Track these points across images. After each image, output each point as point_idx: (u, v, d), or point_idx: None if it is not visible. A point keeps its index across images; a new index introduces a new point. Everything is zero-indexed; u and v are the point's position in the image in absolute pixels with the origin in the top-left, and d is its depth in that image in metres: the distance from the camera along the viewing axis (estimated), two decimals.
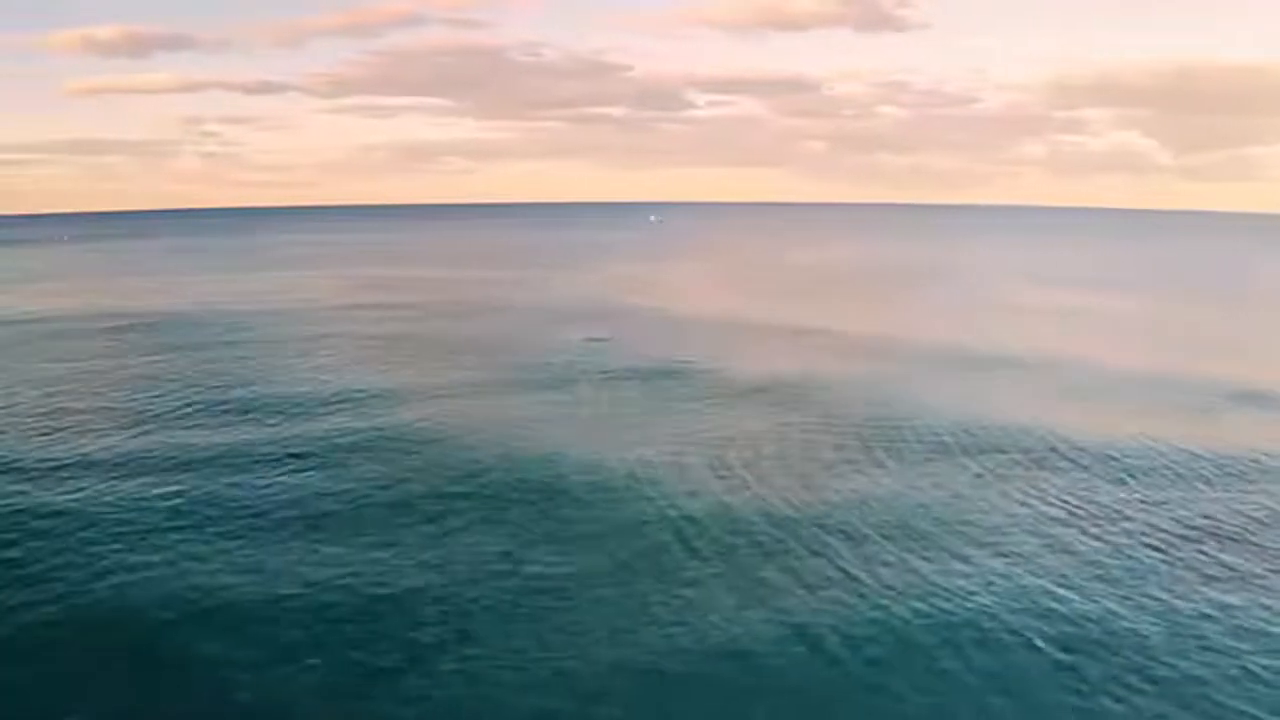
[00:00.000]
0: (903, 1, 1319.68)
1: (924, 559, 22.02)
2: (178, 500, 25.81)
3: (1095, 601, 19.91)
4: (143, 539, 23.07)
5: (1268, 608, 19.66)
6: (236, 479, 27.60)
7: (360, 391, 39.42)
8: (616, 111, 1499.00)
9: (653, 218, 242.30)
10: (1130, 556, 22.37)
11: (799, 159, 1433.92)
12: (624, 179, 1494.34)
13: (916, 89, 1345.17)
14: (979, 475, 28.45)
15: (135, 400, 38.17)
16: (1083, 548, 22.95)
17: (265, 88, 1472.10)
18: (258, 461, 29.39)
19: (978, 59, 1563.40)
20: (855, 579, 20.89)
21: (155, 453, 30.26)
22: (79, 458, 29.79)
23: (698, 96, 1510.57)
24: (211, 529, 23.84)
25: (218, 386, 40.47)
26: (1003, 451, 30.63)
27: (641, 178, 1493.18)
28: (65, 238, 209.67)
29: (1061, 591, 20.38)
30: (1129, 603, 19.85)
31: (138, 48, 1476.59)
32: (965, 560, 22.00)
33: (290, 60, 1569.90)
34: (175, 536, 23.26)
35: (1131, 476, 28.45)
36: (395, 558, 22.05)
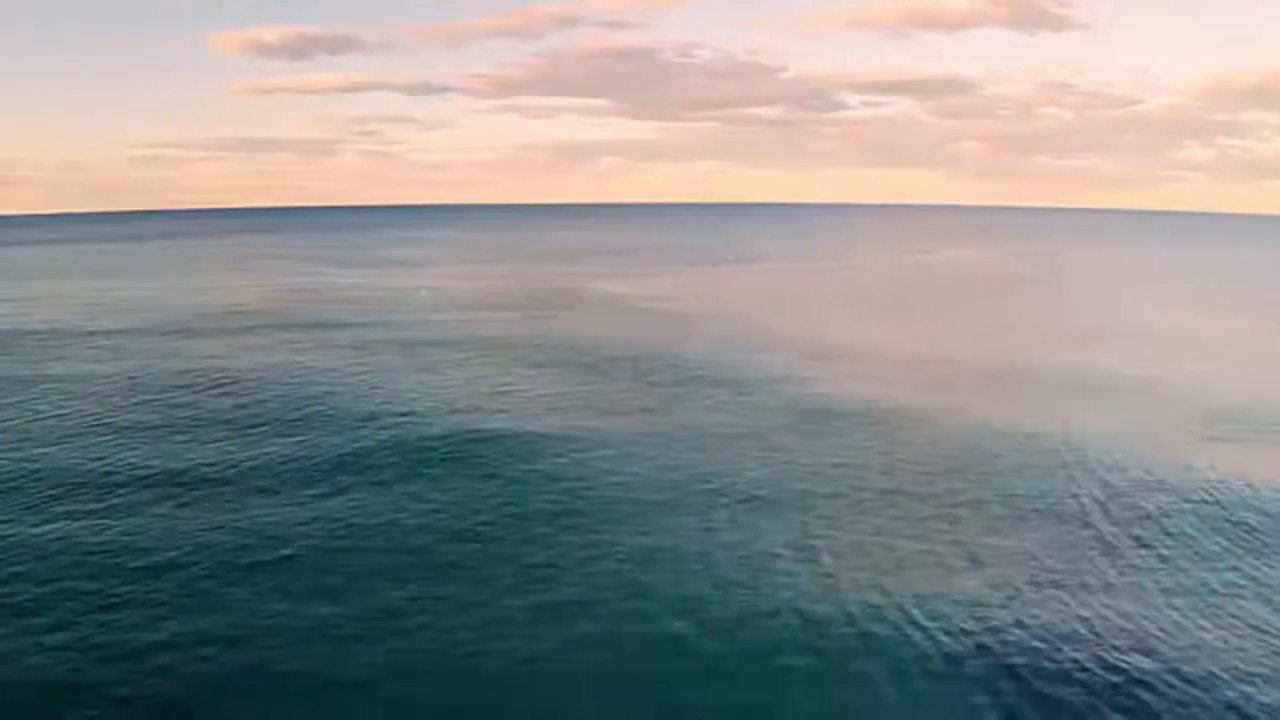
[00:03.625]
0: (1063, 1, 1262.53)
1: None
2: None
3: None
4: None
5: None
6: None
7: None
8: (770, 112, 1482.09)
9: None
10: None
11: (955, 161, 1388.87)
12: (777, 180, 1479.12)
13: (1077, 90, 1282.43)
14: None
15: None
16: None
17: (425, 88, 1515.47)
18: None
19: (1140, 60, 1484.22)
20: None
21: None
22: None
23: (851, 97, 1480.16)
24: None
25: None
26: None
27: (795, 179, 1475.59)
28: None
29: None
30: None
31: (302, 49, 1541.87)
32: None
33: (450, 61, 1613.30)
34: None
35: None
36: None
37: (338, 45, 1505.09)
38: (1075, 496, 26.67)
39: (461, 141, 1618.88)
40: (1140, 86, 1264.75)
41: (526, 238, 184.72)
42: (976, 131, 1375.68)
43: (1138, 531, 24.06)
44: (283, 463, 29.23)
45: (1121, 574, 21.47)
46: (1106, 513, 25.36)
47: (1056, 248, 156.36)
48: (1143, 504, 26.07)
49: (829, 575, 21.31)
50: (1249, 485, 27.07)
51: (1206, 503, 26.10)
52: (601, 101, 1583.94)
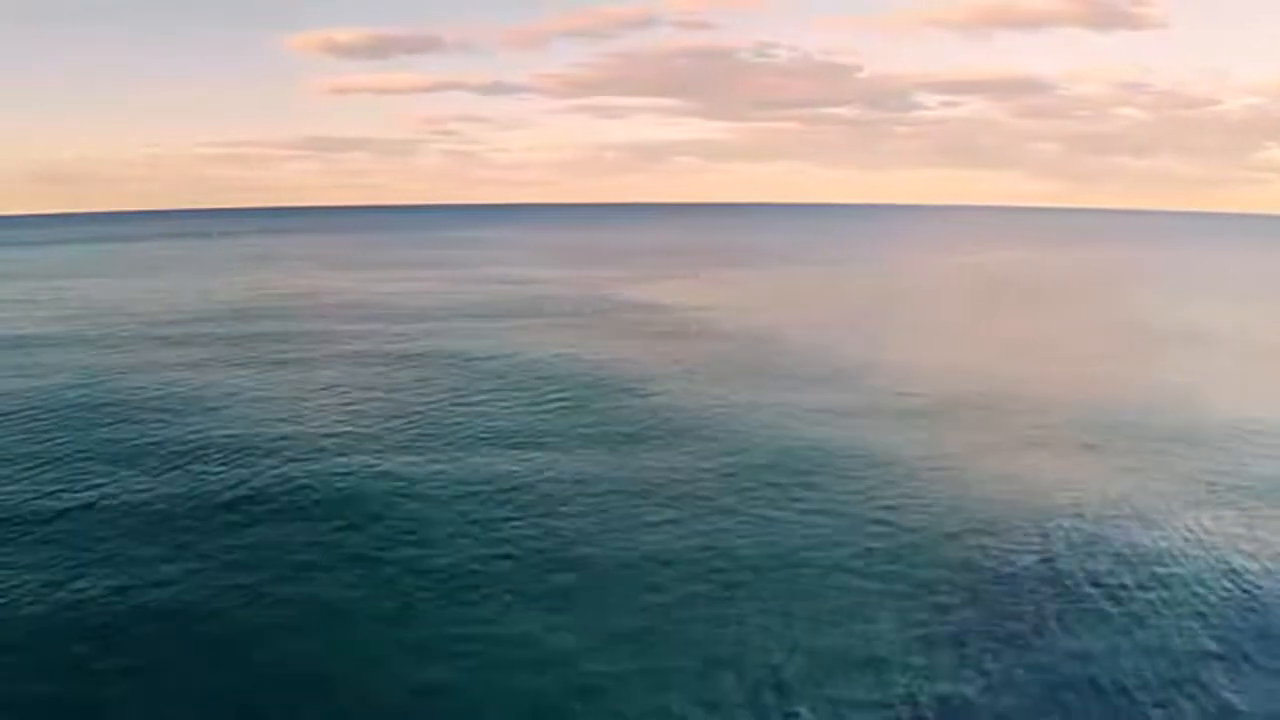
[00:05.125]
0: (1139, 0, 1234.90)
1: None
2: None
3: None
4: None
5: None
6: None
7: None
8: (846, 112, 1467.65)
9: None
10: None
11: (1032, 161, 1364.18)
12: (854, 180, 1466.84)
13: (1155, 90, 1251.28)
14: None
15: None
16: None
17: (502, 88, 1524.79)
18: None
19: (1218, 59, 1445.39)
20: None
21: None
22: None
23: (928, 97, 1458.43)
24: None
25: None
26: None
27: (872, 179, 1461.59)
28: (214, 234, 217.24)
29: None
30: None
31: (379, 49, 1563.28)
32: None
33: (525, 61, 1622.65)
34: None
35: None
36: None
37: (414, 45, 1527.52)
38: None
39: (537, 141, 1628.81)
40: (1217, 86, 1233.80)
41: (613, 237, 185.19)
42: (1054, 132, 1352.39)
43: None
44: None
45: None
46: None
47: (1139, 251, 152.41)
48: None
49: None
50: None
51: None
52: (676, 101, 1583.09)
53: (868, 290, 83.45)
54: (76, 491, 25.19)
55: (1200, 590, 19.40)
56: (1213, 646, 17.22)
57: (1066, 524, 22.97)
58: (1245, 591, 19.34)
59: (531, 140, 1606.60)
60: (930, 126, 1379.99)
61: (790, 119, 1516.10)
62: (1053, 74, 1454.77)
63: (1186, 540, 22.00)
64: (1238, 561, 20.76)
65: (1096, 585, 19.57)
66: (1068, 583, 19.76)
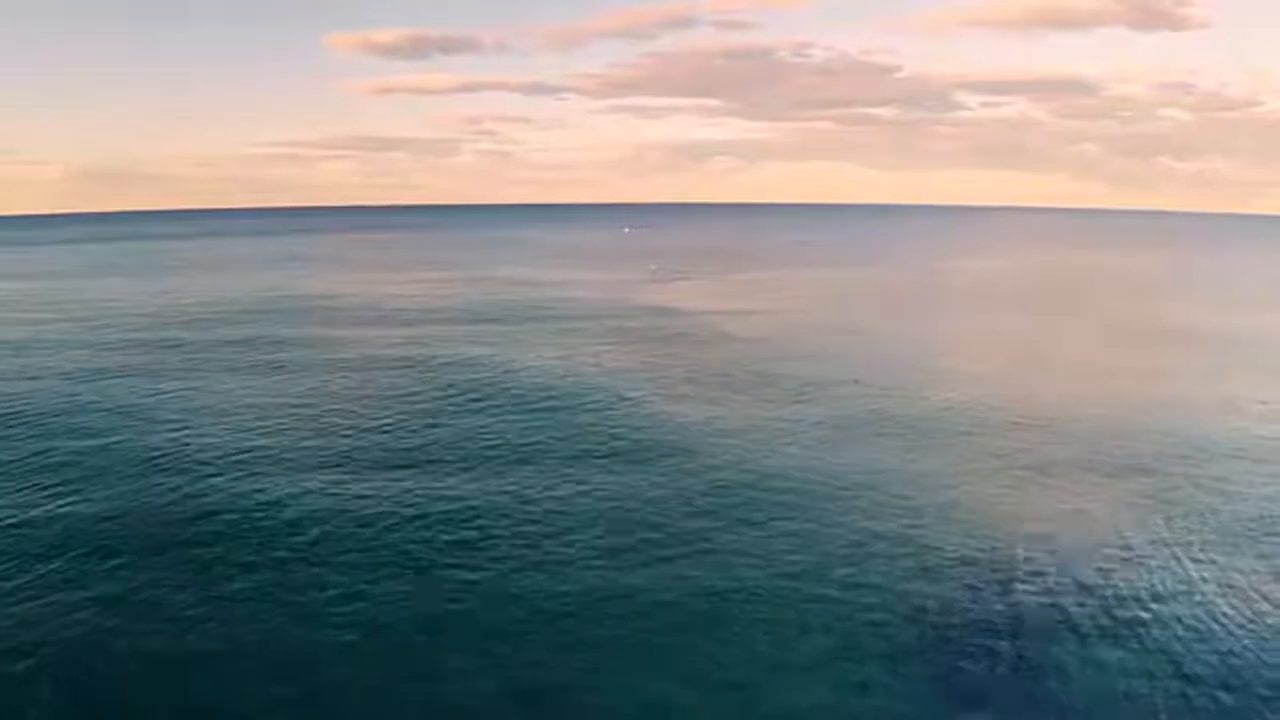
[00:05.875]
0: (1182, 0, 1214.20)
1: None
2: None
3: None
4: None
5: None
6: None
7: None
8: (885, 112, 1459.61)
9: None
10: None
11: (1075, 163, 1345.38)
12: (893, 180, 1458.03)
13: (1198, 91, 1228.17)
14: None
15: None
16: None
17: (540, 89, 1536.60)
18: None
19: (1259, 59, 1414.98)
20: None
21: None
22: None
23: (969, 97, 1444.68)
24: None
25: None
26: None
27: (911, 179, 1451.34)
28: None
29: None
30: None
31: (417, 49, 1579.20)
32: None
33: (564, 62, 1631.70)
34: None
35: None
36: None
37: (453, 46, 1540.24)
38: None
39: (576, 141, 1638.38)
40: (1259, 87, 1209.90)
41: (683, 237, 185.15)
42: (1096, 133, 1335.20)
43: None
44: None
45: None
46: None
47: (1194, 254, 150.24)
48: None
49: None
50: None
51: None
52: (715, 101, 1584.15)
53: (913, 294, 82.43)
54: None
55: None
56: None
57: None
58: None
59: (571, 140, 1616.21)
60: (970, 127, 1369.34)
61: (829, 119, 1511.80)
62: (1095, 74, 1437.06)
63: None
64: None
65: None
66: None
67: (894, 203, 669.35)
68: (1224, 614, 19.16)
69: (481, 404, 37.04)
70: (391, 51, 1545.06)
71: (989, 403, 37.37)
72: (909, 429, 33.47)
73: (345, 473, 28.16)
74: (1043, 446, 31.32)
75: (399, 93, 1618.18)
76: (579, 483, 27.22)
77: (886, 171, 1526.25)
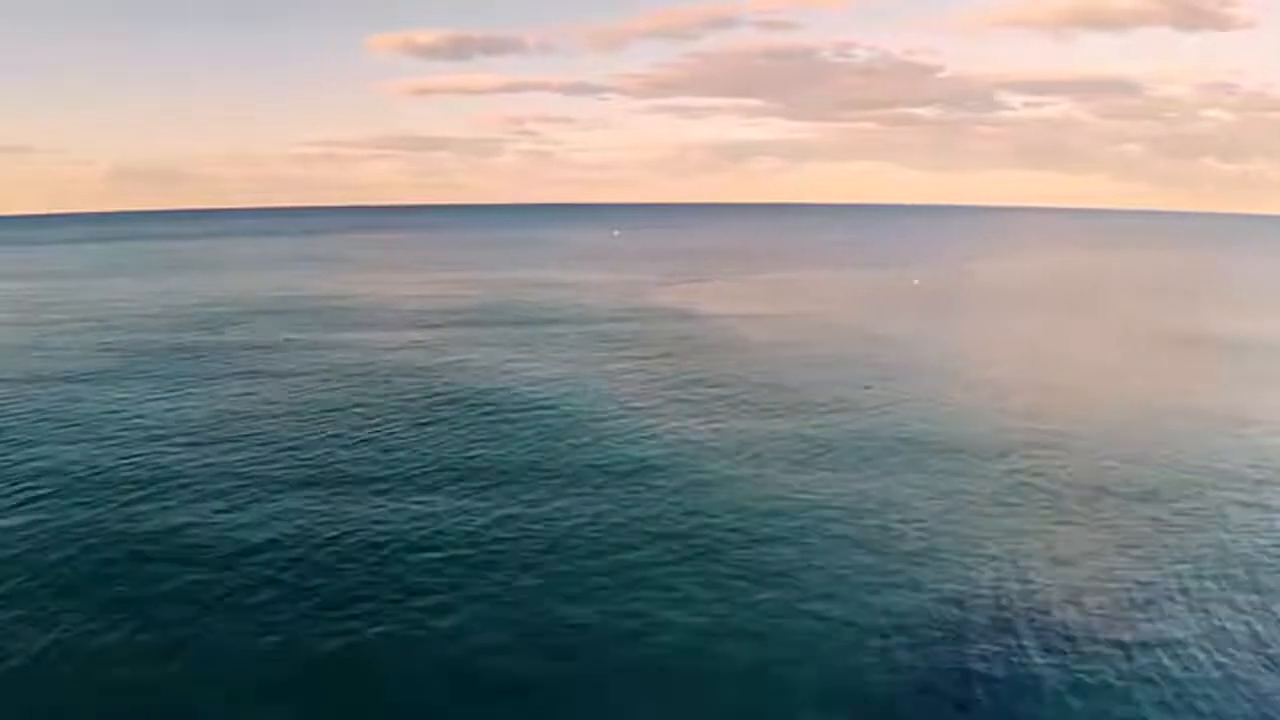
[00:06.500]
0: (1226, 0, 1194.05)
1: None
2: None
3: None
4: None
5: None
6: None
7: None
8: (927, 112, 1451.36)
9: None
10: None
11: (1119, 164, 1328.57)
12: (935, 181, 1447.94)
13: (1239, 91, 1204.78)
14: None
15: None
16: None
17: (582, 89, 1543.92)
18: None
19: None
20: None
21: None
22: None
23: (1011, 98, 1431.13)
24: None
25: None
26: None
27: (952, 180, 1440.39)
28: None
29: None
30: None
31: (460, 50, 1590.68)
32: None
33: (606, 62, 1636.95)
34: None
35: None
36: None
37: (496, 46, 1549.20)
38: None
39: (618, 141, 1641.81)
40: None
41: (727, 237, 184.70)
42: (1141, 133, 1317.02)
43: None
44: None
45: None
46: None
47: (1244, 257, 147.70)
48: None
49: None
50: None
51: None
52: (757, 102, 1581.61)
53: (945, 297, 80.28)
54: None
55: None
56: None
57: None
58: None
59: (613, 140, 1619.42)
60: (1013, 127, 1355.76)
61: (871, 119, 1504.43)
62: (1139, 74, 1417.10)
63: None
64: None
65: None
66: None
67: (936, 203, 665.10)
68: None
69: (456, 414, 36.93)
70: (433, 52, 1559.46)
71: (1007, 418, 35.99)
72: (917, 445, 32.28)
73: (307, 494, 27.37)
74: (1055, 468, 30.20)
75: (442, 93, 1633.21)
76: (533, 505, 26.07)
77: (928, 172, 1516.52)
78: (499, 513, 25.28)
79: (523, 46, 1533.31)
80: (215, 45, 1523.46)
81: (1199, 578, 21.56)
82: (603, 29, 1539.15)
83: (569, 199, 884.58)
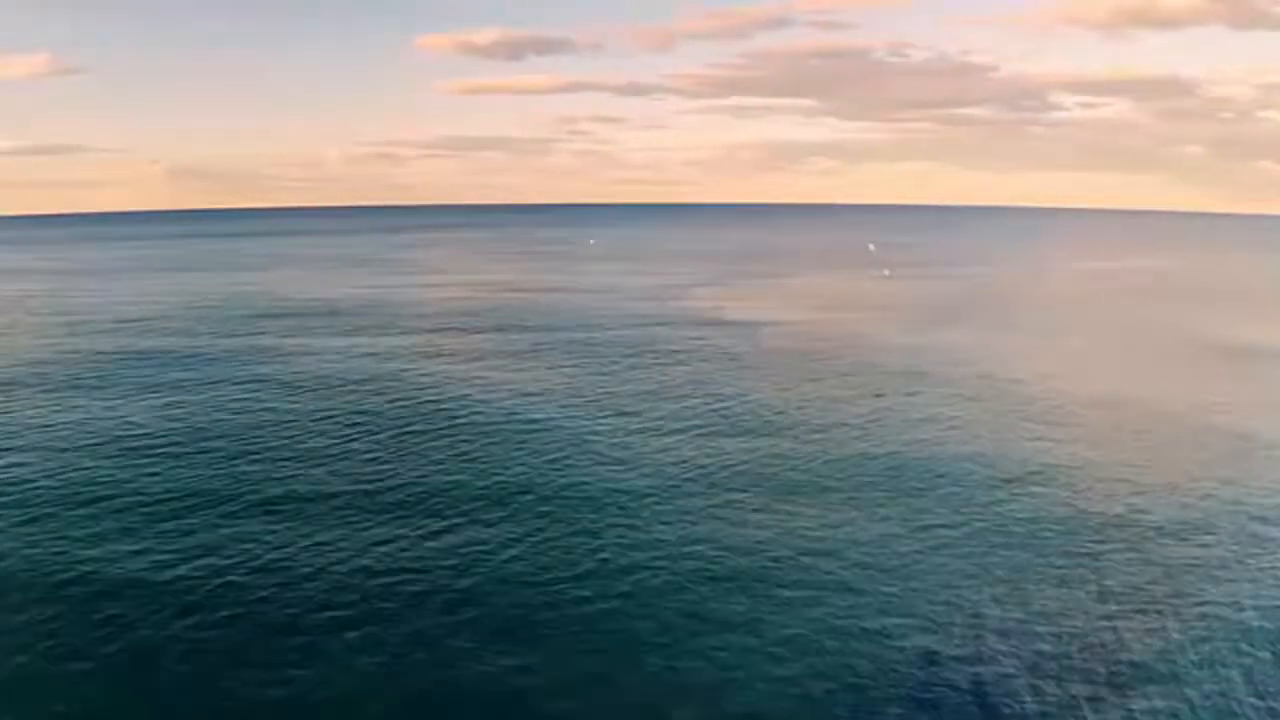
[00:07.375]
0: None
1: None
2: None
3: None
4: None
5: None
6: None
7: None
8: (982, 113, 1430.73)
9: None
10: None
11: (1176, 165, 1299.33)
12: (991, 182, 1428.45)
13: None
14: None
15: None
16: None
17: (635, 89, 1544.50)
18: None
19: None
20: None
21: None
22: None
23: (1066, 98, 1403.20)
24: None
25: None
26: None
27: (1009, 181, 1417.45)
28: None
29: None
30: None
31: (513, 51, 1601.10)
32: None
33: (659, 62, 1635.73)
34: None
35: None
36: None
37: (545, 47, 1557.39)
38: None
39: (672, 141, 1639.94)
40: None
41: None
42: (1198, 134, 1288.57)
43: None
44: None
45: None
46: None
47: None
48: None
49: None
50: None
51: None
52: (811, 101, 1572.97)
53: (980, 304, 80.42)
54: None
55: None
56: None
57: None
58: None
59: (667, 140, 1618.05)
60: (1069, 128, 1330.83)
61: (926, 119, 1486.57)
62: (1195, 74, 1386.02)
63: None
64: None
65: None
66: None
67: (992, 204, 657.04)
68: None
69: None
70: (487, 52, 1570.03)
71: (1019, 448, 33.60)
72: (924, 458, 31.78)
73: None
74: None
75: (495, 93, 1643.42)
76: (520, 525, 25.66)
77: (985, 173, 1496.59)
78: (450, 539, 24.60)
79: (575, 47, 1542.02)
80: (277, 44, 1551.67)
81: (1209, 640, 19.66)
82: (655, 29, 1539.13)
83: (625, 199, 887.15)
